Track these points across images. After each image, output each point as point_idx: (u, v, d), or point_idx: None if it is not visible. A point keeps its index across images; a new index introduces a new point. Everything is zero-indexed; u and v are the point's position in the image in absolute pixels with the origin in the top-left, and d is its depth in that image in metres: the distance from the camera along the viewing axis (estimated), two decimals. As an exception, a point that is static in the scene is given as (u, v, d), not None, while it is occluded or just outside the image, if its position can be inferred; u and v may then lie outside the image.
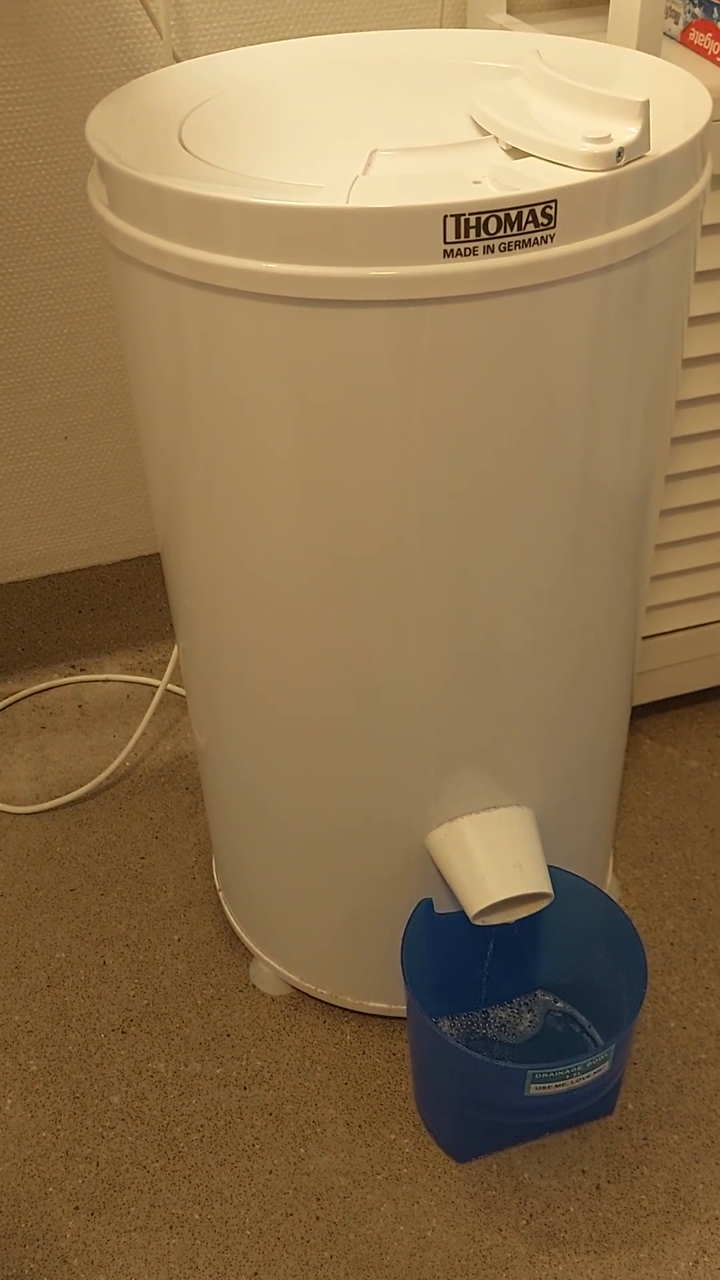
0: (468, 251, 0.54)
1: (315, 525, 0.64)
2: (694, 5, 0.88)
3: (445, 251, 0.54)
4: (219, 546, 0.69)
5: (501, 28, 0.95)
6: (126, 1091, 0.89)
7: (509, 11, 0.97)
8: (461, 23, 1.01)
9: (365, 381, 0.58)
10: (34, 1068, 0.91)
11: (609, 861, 0.99)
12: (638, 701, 1.13)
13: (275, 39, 0.97)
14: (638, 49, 0.76)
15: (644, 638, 1.07)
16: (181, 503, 0.70)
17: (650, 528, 0.76)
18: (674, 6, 0.90)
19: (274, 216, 0.54)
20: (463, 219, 0.53)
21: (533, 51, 0.64)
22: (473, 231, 0.54)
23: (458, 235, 0.53)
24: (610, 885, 1.00)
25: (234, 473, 0.64)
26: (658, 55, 0.77)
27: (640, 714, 1.17)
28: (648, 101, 0.55)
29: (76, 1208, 0.82)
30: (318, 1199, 0.82)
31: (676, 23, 0.91)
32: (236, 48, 0.85)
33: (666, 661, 1.10)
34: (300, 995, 0.94)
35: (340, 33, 0.97)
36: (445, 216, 0.53)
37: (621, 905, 1.00)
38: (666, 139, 0.59)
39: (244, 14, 0.96)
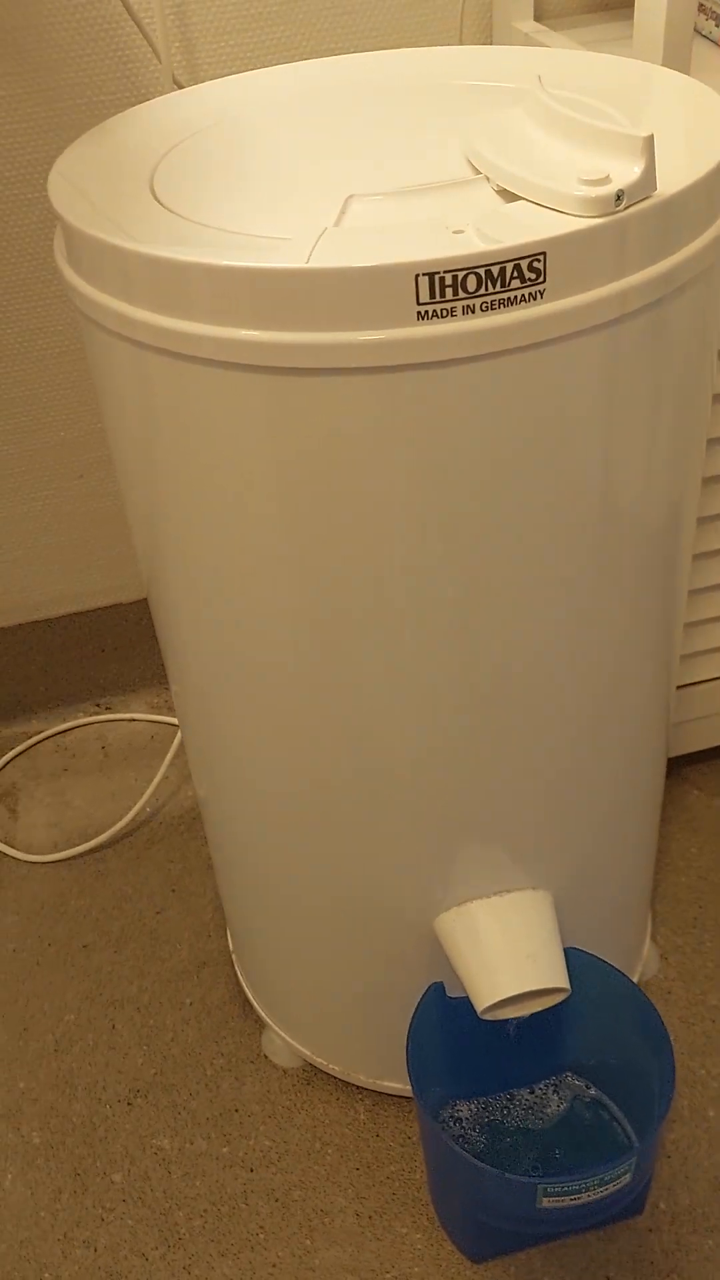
0: (445, 313, 0.48)
1: (300, 592, 0.59)
2: (735, 7, 0.81)
3: (419, 313, 0.48)
4: (201, 609, 0.64)
5: (528, 36, 0.89)
6: (129, 1169, 0.85)
7: (536, 18, 0.90)
8: (486, 31, 0.94)
9: (344, 450, 0.53)
10: (37, 1140, 0.88)
11: (646, 928, 0.93)
12: (685, 750, 1.06)
13: (287, 57, 0.92)
14: (664, 63, 0.70)
15: (692, 684, 1.00)
16: (162, 556, 0.65)
17: (681, 576, 0.70)
18: (713, 5, 0.83)
19: (223, 279, 0.49)
20: (437, 277, 0.47)
21: (535, 76, 0.58)
22: (449, 290, 0.48)
23: (432, 295, 0.48)
24: (648, 954, 0.93)
25: (212, 538, 0.60)
26: (687, 68, 0.71)
27: (688, 762, 1.10)
28: (651, 137, 0.49)
29: (71, 1298, 0.79)
30: (322, 1298, 0.78)
31: (718, 25, 0.84)
32: (245, 68, 0.81)
33: (717, 708, 1.02)
34: (313, 1068, 0.89)
35: (355, 48, 0.92)
36: (418, 275, 0.47)
37: (660, 975, 0.93)
38: (684, 172, 0.52)
39: (255, 32, 0.91)
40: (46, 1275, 0.80)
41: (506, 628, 0.61)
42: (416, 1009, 0.74)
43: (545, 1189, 0.66)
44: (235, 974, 0.96)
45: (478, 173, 0.56)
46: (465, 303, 0.48)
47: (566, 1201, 0.67)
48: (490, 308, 0.49)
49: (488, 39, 0.95)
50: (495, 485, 0.55)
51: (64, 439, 1.06)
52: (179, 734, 1.10)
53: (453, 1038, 0.78)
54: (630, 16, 0.91)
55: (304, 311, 0.49)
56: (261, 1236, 0.81)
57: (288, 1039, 0.88)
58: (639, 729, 0.72)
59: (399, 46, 0.93)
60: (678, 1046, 0.88)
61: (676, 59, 0.70)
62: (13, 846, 1.10)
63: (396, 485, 0.54)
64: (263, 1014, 0.90)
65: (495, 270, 0.48)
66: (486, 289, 0.48)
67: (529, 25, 0.89)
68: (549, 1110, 0.84)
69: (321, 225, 0.52)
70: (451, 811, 0.68)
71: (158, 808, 1.12)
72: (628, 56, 0.69)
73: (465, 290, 0.48)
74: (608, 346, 0.53)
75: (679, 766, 1.09)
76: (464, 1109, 0.84)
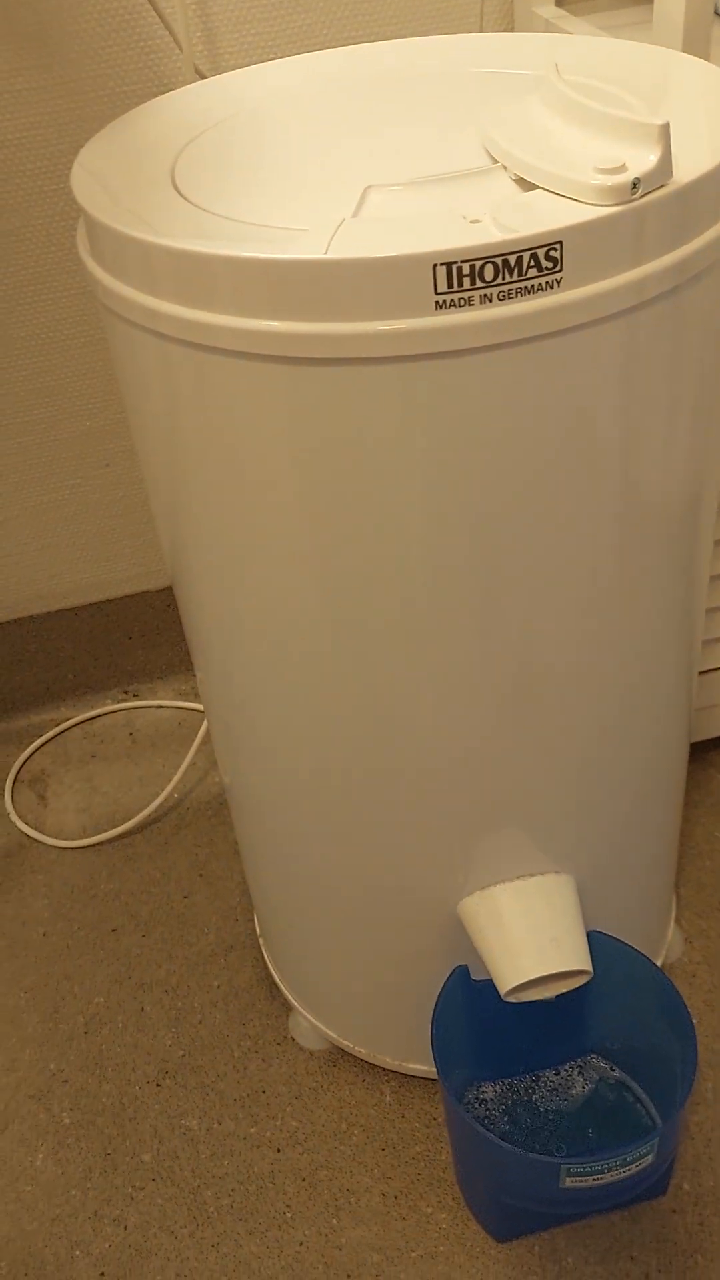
0: (462, 302, 0.49)
1: (321, 582, 0.60)
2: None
3: (437, 303, 0.49)
4: (224, 597, 0.65)
5: (549, 22, 0.88)
6: (158, 1149, 0.87)
7: (557, 3, 0.90)
8: (508, 17, 0.94)
9: (363, 439, 0.53)
10: (67, 1120, 0.89)
11: (670, 912, 0.93)
12: (708, 735, 1.06)
13: (308, 46, 0.92)
14: (684, 49, 0.69)
15: (715, 669, 1.00)
16: (185, 547, 0.66)
17: (702, 562, 0.70)
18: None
19: (243, 270, 0.49)
20: (454, 267, 0.48)
21: (551, 64, 0.58)
22: (466, 280, 0.48)
23: (450, 285, 0.48)
24: (672, 938, 0.93)
25: (234, 527, 0.60)
26: (707, 54, 0.70)
27: (712, 747, 1.10)
28: (667, 125, 0.49)
29: (102, 1274, 0.80)
30: (348, 1275, 0.78)
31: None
32: (266, 57, 0.81)
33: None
34: (339, 1050, 0.90)
35: (376, 36, 0.92)
36: (435, 265, 0.48)
37: (684, 959, 0.94)
38: (701, 159, 0.52)
39: (275, 20, 0.91)
40: (78, 1252, 0.82)
41: (527, 615, 0.61)
42: (441, 992, 0.75)
43: (568, 1169, 0.67)
44: (262, 957, 0.97)
45: (495, 162, 0.56)
46: (483, 292, 0.49)
47: (590, 1182, 0.68)
48: (507, 297, 0.49)
49: (509, 25, 0.95)
50: (514, 474, 0.55)
51: (89, 428, 1.07)
52: (205, 720, 1.11)
53: (477, 1020, 0.79)
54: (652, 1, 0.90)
55: (323, 302, 0.49)
56: (289, 1215, 0.82)
57: (314, 1021, 0.89)
58: (662, 714, 0.73)
59: (420, 34, 0.93)
60: (701, 1029, 0.89)
61: (696, 44, 0.70)
62: (43, 832, 1.11)
63: (415, 474, 0.54)
64: (289, 997, 0.91)
65: (512, 260, 0.48)
66: (504, 278, 0.48)
67: (550, 11, 0.89)
68: (573, 1092, 0.85)
69: (340, 216, 0.53)
70: (475, 797, 0.69)
71: (185, 793, 1.14)
72: (648, 42, 0.69)
73: (483, 280, 0.48)
74: (625, 335, 0.53)
75: (703, 751, 1.09)
76: (489, 1090, 0.85)
